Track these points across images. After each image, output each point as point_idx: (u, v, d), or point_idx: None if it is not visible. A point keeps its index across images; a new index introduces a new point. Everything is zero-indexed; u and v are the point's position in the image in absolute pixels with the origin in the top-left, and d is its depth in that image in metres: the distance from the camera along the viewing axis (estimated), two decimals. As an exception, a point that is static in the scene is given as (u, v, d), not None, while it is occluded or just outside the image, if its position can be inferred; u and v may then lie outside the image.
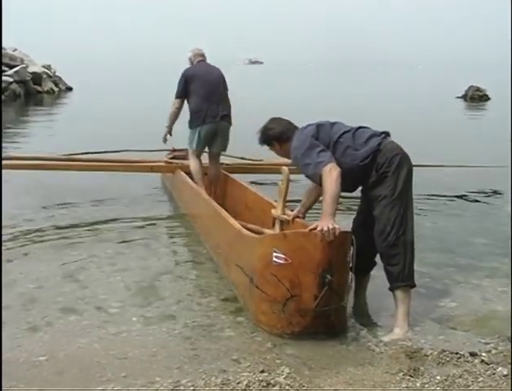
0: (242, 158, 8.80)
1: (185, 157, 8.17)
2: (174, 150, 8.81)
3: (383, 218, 4.21)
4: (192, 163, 7.41)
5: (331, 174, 4.05)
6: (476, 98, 28.07)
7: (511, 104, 18.64)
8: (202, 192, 6.57)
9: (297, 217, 4.74)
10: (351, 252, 4.04)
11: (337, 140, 4.30)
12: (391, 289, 4.27)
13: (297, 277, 3.91)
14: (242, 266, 4.47)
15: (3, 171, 7.45)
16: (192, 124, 7.30)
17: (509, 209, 7.26)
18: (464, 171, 9.55)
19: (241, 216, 6.33)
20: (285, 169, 4.72)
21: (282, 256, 3.94)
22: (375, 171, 4.22)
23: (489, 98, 27.87)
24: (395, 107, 23.25)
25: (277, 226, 4.98)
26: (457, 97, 28.94)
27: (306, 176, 4.38)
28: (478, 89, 28.94)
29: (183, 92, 7.33)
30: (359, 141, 4.30)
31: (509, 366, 3.51)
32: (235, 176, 7.70)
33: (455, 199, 8.28)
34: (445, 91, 33.02)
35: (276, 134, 4.59)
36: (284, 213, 4.87)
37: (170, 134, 7.67)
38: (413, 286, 4.28)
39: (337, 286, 3.90)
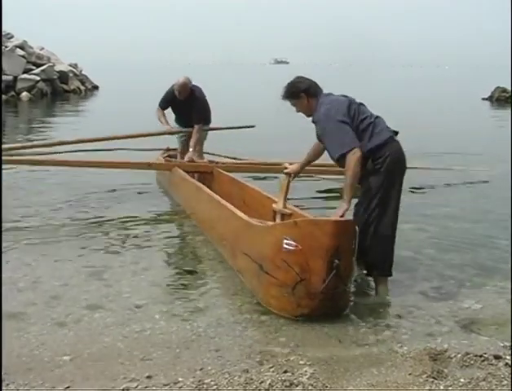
0: (234, 158, 9.20)
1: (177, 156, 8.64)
2: (169, 149, 9.12)
3: (363, 206, 4.58)
4: None
5: (355, 158, 4.35)
6: (502, 99, 27.65)
7: (511, 105, 18.40)
8: (204, 187, 6.73)
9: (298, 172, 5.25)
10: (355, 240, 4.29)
11: (360, 122, 4.55)
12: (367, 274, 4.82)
13: (306, 262, 4.11)
14: (250, 254, 4.69)
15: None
16: None
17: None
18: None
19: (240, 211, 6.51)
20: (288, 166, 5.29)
21: (293, 242, 4.13)
22: (372, 161, 4.50)
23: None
24: (418, 111, 23.06)
25: (278, 220, 5.37)
26: (483, 98, 28.55)
27: (326, 148, 4.69)
28: (504, 90, 28.56)
29: None
30: (375, 130, 4.57)
31: (510, 365, 3.49)
32: (231, 174, 7.86)
33: (479, 202, 8.19)
34: (471, 92, 32.66)
35: (306, 87, 4.75)
36: (285, 207, 5.35)
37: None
38: (387, 275, 4.69)
39: (343, 270, 4.11)
